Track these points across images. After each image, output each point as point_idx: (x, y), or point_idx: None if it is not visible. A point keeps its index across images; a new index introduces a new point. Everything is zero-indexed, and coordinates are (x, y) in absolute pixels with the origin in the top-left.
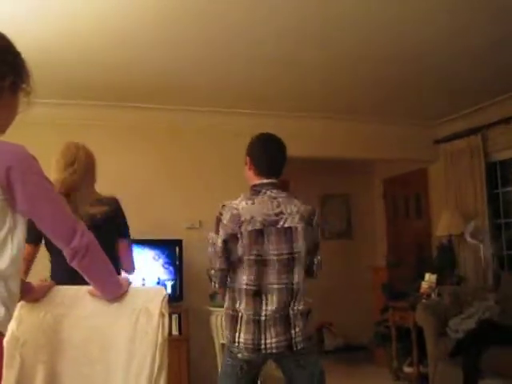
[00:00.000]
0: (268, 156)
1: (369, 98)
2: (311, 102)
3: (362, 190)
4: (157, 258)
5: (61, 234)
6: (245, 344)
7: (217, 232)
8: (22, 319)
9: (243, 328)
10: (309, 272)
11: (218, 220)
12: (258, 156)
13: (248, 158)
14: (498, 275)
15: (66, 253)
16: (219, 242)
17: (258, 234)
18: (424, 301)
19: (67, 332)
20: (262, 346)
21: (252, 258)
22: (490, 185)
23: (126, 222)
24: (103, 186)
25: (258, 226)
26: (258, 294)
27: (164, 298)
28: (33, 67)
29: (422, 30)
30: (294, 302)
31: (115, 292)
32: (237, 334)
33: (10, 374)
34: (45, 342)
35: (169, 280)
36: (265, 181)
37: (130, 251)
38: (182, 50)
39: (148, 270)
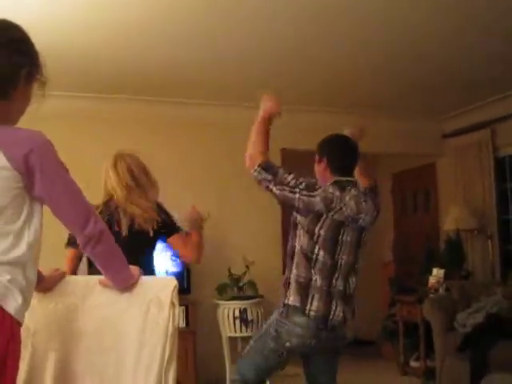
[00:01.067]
0: (349, 160)
1: (377, 92)
2: (320, 96)
3: None
4: (165, 250)
5: (75, 220)
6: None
7: (306, 189)
8: (33, 308)
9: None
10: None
11: (313, 188)
12: (340, 160)
13: (325, 158)
14: (506, 270)
15: (79, 239)
16: (299, 197)
17: (340, 225)
18: (432, 295)
19: (78, 322)
20: (331, 317)
21: (326, 238)
22: (498, 179)
23: None
24: None
25: (342, 218)
26: (329, 268)
27: (175, 288)
28: (45, 59)
29: (432, 25)
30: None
31: (126, 281)
32: (308, 302)
33: (21, 364)
34: (56, 332)
35: (176, 272)
36: (347, 178)
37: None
38: (195, 43)
39: (156, 263)
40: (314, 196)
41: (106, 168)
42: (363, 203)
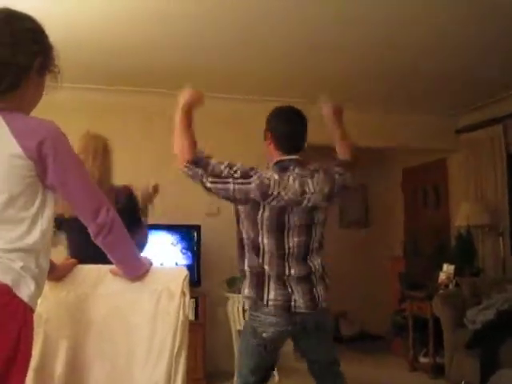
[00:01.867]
0: (290, 130)
1: (391, 88)
2: (332, 90)
3: (381, 180)
4: (175, 243)
5: (88, 209)
6: (275, 302)
7: (240, 177)
8: (45, 296)
9: (272, 286)
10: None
11: (247, 175)
12: (280, 131)
13: (269, 133)
14: None
15: (91, 228)
16: (235, 188)
17: (281, 211)
18: (442, 291)
19: (90, 310)
20: (293, 305)
21: (269, 224)
22: (510, 176)
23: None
24: (125, 170)
25: (282, 203)
26: (278, 255)
27: (185, 277)
28: (58, 52)
29: (444, 20)
30: (313, 262)
31: (137, 271)
32: (265, 295)
33: (33, 350)
34: (68, 320)
35: (186, 265)
36: (290, 157)
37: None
38: (202, 37)
39: (166, 255)
40: (249, 183)
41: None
42: (309, 182)
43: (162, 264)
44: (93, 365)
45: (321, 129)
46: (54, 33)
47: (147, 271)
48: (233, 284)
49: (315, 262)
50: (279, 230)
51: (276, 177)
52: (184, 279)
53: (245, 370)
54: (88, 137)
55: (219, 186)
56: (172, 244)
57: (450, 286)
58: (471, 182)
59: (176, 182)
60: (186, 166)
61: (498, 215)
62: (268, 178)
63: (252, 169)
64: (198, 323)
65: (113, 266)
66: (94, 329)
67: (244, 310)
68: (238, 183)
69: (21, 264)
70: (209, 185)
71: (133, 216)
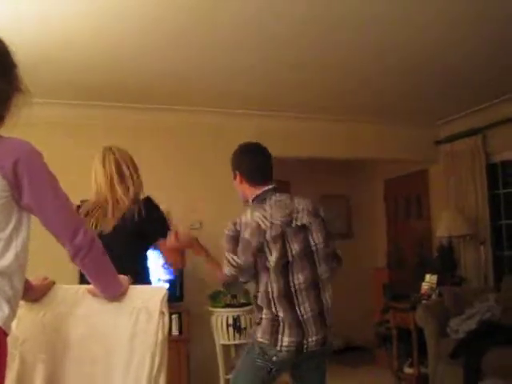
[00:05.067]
0: (259, 165)
1: (371, 100)
2: (313, 103)
3: (363, 191)
4: (157, 258)
5: (65, 230)
6: (289, 347)
7: (233, 251)
8: (21, 318)
9: (286, 332)
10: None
11: (233, 238)
12: (249, 168)
13: (238, 172)
14: (499, 276)
15: (69, 249)
16: (247, 258)
17: (279, 237)
18: (424, 301)
19: (67, 331)
20: (305, 347)
21: (276, 261)
22: (491, 186)
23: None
24: None
25: (278, 230)
26: (289, 296)
27: (164, 296)
28: (35, 68)
29: (424, 32)
30: (324, 296)
31: (116, 291)
32: (279, 337)
33: (9, 374)
34: (45, 341)
35: (169, 280)
36: (265, 188)
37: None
38: (187, 52)
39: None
40: (243, 239)
41: (95, 163)
42: (290, 203)
43: None
44: None
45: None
46: (31, 49)
47: (125, 291)
48: (216, 298)
49: (327, 294)
50: (284, 268)
51: (257, 214)
52: (162, 298)
53: None
54: (121, 151)
55: (246, 271)
56: (154, 260)
57: (433, 296)
58: (452, 192)
59: (158, 194)
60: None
61: (479, 225)
62: (253, 220)
63: (234, 229)
64: (182, 338)
65: (91, 286)
66: (71, 350)
67: (228, 325)
68: (241, 254)
69: None
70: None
71: (162, 227)
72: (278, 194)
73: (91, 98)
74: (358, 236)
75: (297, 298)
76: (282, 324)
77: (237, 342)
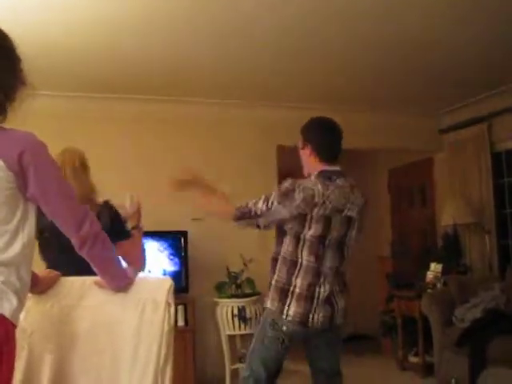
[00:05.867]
0: (332, 143)
1: (374, 88)
2: (316, 92)
3: (367, 180)
4: (162, 249)
5: (71, 221)
6: (293, 317)
7: (283, 203)
8: (29, 310)
9: (294, 302)
10: None
11: (289, 193)
12: (322, 143)
13: (309, 144)
14: (504, 265)
15: (75, 240)
16: (282, 213)
17: (326, 219)
18: (429, 290)
19: (74, 323)
20: (310, 321)
21: (312, 238)
22: (495, 175)
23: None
24: (110, 177)
25: (327, 211)
26: (317, 273)
27: (170, 287)
28: (36, 60)
29: (427, 18)
30: (339, 284)
31: (122, 282)
32: (286, 308)
33: (18, 365)
34: (52, 333)
35: (174, 271)
36: (332, 168)
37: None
38: (189, 42)
39: (153, 262)
40: (294, 200)
41: None
42: (349, 193)
43: (149, 271)
44: (78, 377)
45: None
46: (31, 40)
47: (132, 282)
48: (221, 289)
49: (341, 284)
50: (321, 247)
51: (319, 187)
52: (168, 289)
53: (257, 363)
54: (66, 153)
55: (270, 219)
56: (159, 250)
57: (438, 285)
58: (456, 181)
59: (160, 187)
60: (236, 225)
61: (483, 213)
62: (312, 189)
63: (292, 186)
64: (188, 329)
65: (97, 278)
66: (78, 341)
67: (234, 315)
68: (286, 205)
69: (1, 278)
70: (263, 226)
71: (120, 229)
72: (342, 179)
73: (91, 90)
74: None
75: (318, 278)
76: (290, 294)
77: (242, 332)
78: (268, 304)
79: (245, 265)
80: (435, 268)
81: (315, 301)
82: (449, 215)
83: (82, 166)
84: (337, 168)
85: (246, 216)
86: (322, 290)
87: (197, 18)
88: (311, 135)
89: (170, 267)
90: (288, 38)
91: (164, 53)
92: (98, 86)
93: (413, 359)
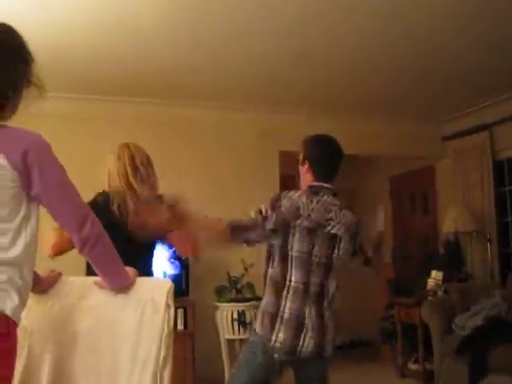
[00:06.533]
0: (329, 162)
1: (377, 94)
2: (318, 98)
3: (369, 187)
4: (163, 252)
5: (73, 221)
6: (282, 344)
7: (274, 211)
8: (30, 309)
9: (283, 328)
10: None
11: (276, 202)
12: (319, 161)
13: (307, 160)
14: (505, 272)
15: (76, 240)
16: (271, 223)
17: (310, 232)
18: (430, 298)
19: (75, 322)
20: (299, 349)
21: (298, 254)
22: (497, 183)
23: None
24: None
25: (312, 224)
26: (306, 291)
27: (170, 289)
28: (40, 62)
29: (431, 26)
30: (328, 306)
31: (122, 283)
32: (274, 333)
33: (18, 364)
34: (52, 332)
35: (174, 275)
36: (323, 184)
37: None
38: (189, 45)
39: (154, 265)
40: (280, 207)
41: (110, 158)
42: (337, 211)
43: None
44: (78, 377)
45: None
46: (43, 41)
47: (132, 283)
48: (221, 293)
49: (328, 307)
50: (305, 262)
51: (304, 199)
52: (168, 291)
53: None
54: (137, 148)
55: (272, 221)
56: (160, 253)
57: (439, 293)
58: (459, 188)
59: (161, 190)
60: (235, 244)
61: (485, 221)
62: (297, 201)
63: (279, 196)
64: (187, 333)
65: (97, 278)
66: (78, 341)
67: (233, 319)
68: (274, 216)
69: (4, 277)
70: (269, 230)
71: None
72: (331, 197)
73: (92, 92)
74: (363, 231)
75: (306, 298)
76: (279, 319)
77: (242, 336)
78: (257, 329)
79: (245, 269)
80: (436, 275)
81: (300, 325)
82: (450, 222)
83: (149, 161)
84: (329, 186)
85: (240, 233)
86: (306, 310)
87: (197, 20)
88: (311, 153)
89: (171, 270)
90: (290, 42)
91: (164, 55)
92: (98, 88)
93: (412, 366)
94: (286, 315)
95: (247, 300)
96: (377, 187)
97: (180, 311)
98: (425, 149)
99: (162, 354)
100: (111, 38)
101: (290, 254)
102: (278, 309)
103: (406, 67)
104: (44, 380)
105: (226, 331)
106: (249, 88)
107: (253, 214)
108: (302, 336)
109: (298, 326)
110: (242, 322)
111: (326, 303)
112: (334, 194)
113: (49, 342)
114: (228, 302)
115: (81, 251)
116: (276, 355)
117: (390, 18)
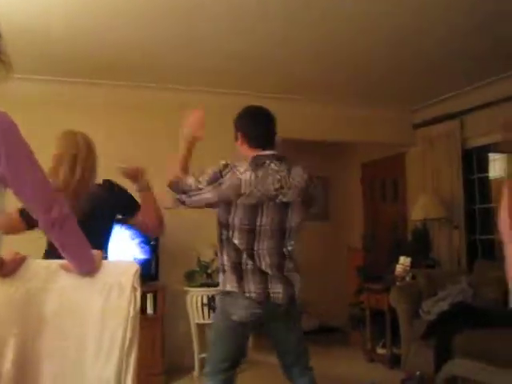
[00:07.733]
0: (262, 128)
1: (350, 81)
2: (291, 83)
3: (341, 173)
4: (133, 237)
5: (40, 202)
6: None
7: (209, 183)
8: None
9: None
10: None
11: (217, 177)
12: (252, 130)
13: (239, 133)
14: (472, 259)
15: (44, 221)
16: (207, 196)
17: (252, 208)
18: (398, 283)
19: (40, 306)
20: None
21: (243, 227)
22: (465, 171)
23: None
24: None
25: (254, 201)
26: (251, 254)
27: (136, 272)
28: (15, 42)
29: (404, 15)
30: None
31: (89, 266)
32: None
33: None
34: (17, 317)
35: (144, 259)
36: (266, 152)
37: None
38: (166, 28)
39: (124, 250)
40: (220, 184)
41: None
42: (286, 176)
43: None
44: (42, 361)
45: (307, 125)
46: (24, 23)
47: (98, 266)
48: (192, 278)
49: (287, 265)
50: (249, 233)
51: (248, 174)
52: (135, 273)
53: (215, 356)
54: (71, 134)
55: (194, 198)
56: (130, 238)
57: (407, 278)
58: (428, 176)
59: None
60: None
61: (453, 208)
62: (239, 178)
63: (224, 168)
64: (156, 317)
65: (64, 261)
66: (43, 325)
67: (203, 304)
68: (210, 189)
69: None
70: (186, 202)
71: (128, 204)
72: (277, 163)
73: (57, 74)
74: (334, 218)
75: (259, 260)
76: (246, 272)
77: (211, 321)
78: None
79: (216, 254)
80: (404, 261)
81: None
82: (419, 209)
83: (90, 149)
84: (271, 152)
85: (175, 188)
86: (264, 265)
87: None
88: (239, 124)
89: (141, 255)
90: (272, 26)
91: (138, 35)
92: (68, 69)
93: (380, 351)
94: (249, 268)
95: (217, 285)
96: (349, 173)
97: (149, 296)
98: (396, 136)
99: (128, 336)
100: (72, 18)
101: (231, 224)
102: (240, 263)
103: (379, 56)
104: (8, 364)
105: (196, 316)
106: (227, 72)
107: (210, 170)
108: (269, 288)
109: (261, 278)
110: (212, 306)
111: (282, 261)
112: (280, 159)
113: (13, 326)
114: (198, 286)
115: (48, 232)
116: (235, 316)
117: (363, 9)
